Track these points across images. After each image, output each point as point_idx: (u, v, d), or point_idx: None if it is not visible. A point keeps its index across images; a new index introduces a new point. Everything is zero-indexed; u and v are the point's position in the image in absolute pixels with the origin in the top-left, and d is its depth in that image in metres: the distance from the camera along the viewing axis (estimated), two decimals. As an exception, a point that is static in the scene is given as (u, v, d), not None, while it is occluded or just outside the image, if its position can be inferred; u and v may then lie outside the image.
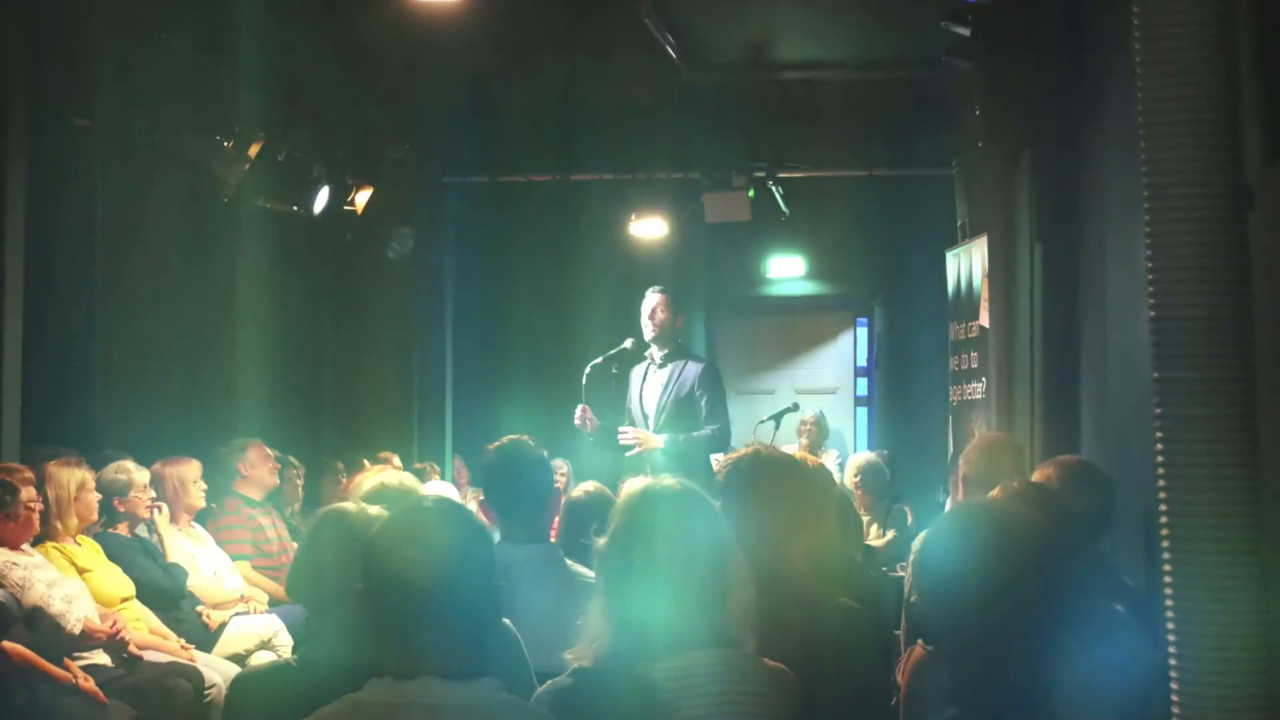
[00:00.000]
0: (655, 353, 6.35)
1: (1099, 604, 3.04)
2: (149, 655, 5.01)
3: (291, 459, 7.29)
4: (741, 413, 8.72)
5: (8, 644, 4.43)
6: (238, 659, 5.52)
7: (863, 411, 10.70)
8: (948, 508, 5.69)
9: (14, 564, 4.67)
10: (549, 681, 2.50)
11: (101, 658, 4.86)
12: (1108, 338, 4.99)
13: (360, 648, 2.13)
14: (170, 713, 4.85)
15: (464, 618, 2.05)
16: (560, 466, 7.80)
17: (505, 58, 7.91)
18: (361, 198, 8.34)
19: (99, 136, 6.28)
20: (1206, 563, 2.07)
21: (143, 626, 5.23)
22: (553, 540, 4.07)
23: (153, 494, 5.72)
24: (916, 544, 3.71)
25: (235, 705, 2.78)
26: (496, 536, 3.32)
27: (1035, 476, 3.61)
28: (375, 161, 8.53)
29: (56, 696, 4.51)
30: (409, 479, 3.69)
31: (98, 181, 6.42)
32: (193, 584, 5.76)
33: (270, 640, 5.72)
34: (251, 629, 5.75)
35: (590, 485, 4.42)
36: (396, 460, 7.52)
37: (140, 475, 5.63)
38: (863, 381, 10.72)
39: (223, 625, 5.73)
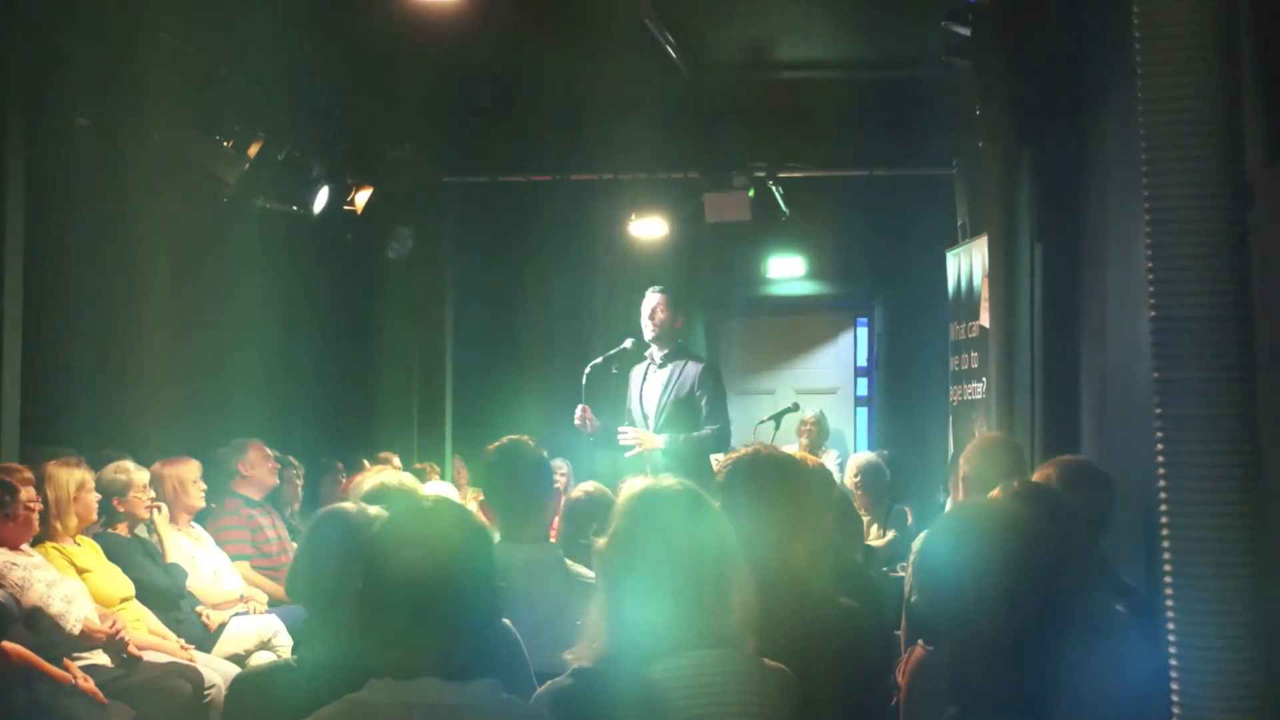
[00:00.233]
0: (655, 353, 6.34)
1: (1099, 604, 3.04)
2: (148, 655, 5.01)
3: (291, 459, 7.29)
4: (741, 413, 8.72)
5: (7, 644, 4.43)
6: (237, 659, 5.53)
7: (863, 411, 10.69)
8: (948, 508, 5.69)
9: (13, 564, 4.67)
10: (549, 681, 2.50)
11: (101, 658, 4.86)
12: (1108, 338, 4.99)
13: (360, 648, 2.12)
14: (170, 713, 4.86)
15: (464, 618, 2.05)
16: (560, 466, 7.79)
17: (505, 57, 7.90)
18: (361, 198, 8.33)
19: (99, 136, 6.28)
20: (1206, 563, 2.06)
21: (142, 627, 5.23)
22: (553, 540, 4.07)
23: (152, 494, 5.72)
24: (917, 544, 3.71)
25: (235, 705, 2.79)
26: (496, 536, 3.32)
27: (1035, 476, 3.62)
28: (375, 161, 8.52)
29: (56, 697, 4.51)
30: (409, 479, 3.68)
31: (98, 181, 6.42)
32: (192, 584, 5.77)
33: (270, 640, 5.72)
34: (251, 629, 5.75)
35: (590, 485, 4.42)
36: (396, 460, 7.52)
37: (140, 475, 5.63)
38: (863, 381, 10.72)
39: (222, 625, 5.73)
